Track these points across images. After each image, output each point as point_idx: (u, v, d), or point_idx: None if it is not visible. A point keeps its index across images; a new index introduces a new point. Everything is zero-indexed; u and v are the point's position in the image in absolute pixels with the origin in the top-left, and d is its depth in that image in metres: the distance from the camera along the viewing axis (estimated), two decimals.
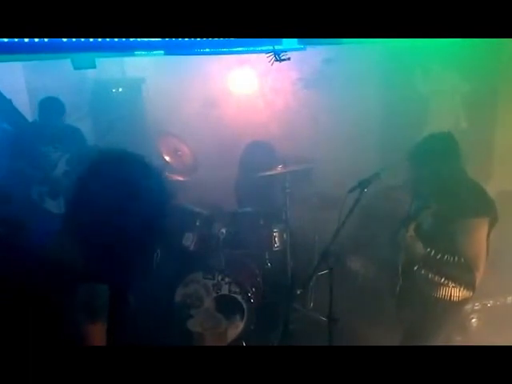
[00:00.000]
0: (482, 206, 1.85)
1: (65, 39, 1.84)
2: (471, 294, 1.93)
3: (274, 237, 3.04)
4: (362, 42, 2.50)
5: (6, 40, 1.68)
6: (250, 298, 2.72)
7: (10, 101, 3.00)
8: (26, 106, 3.38)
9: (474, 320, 2.70)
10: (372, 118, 3.69)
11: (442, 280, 1.90)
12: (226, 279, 2.73)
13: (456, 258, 1.81)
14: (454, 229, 1.82)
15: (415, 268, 1.95)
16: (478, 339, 2.65)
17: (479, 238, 1.82)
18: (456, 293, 1.90)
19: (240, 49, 2.77)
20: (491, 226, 1.86)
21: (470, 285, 1.89)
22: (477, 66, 3.11)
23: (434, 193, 1.92)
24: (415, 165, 1.94)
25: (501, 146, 3.20)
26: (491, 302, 2.73)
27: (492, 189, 3.27)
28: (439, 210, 1.88)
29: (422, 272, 1.93)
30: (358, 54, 3.37)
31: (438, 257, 1.82)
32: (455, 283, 1.89)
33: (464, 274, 1.84)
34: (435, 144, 1.92)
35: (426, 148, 1.93)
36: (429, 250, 1.83)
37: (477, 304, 2.67)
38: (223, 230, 2.94)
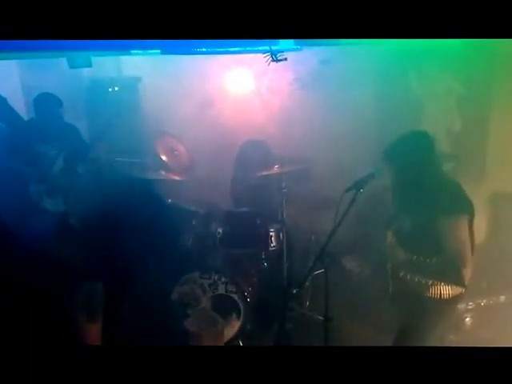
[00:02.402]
0: (459, 202, 1.85)
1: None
2: (462, 291, 1.94)
3: (271, 236, 3.05)
4: (358, 44, 2.51)
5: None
6: (246, 297, 2.73)
7: (5, 99, 2.98)
8: (21, 104, 3.36)
9: (467, 319, 2.73)
10: (368, 119, 3.71)
11: (431, 282, 1.90)
12: (223, 279, 2.74)
13: (440, 259, 1.80)
14: (435, 229, 1.81)
15: (401, 274, 1.97)
16: (471, 338, 2.68)
17: (461, 234, 1.82)
18: (446, 292, 1.91)
19: (237, 49, 2.78)
20: (471, 221, 1.86)
21: (459, 283, 1.89)
22: (471, 68, 3.13)
23: (408, 195, 1.92)
24: (390, 164, 1.93)
25: (495, 147, 3.24)
26: (484, 301, 2.76)
27: (486, 190, 3.32)
28: (418, 211, 1.88)
29: (408, 277, 1.95)
30: (354, 55, 3.38)
31: (422, 260, 1.82)
32: (444, 283, 1.89)
33: (451, 273, 1.84)
34: (408, 143, 1.92)
35: (399, 148, 1.92)
36: (410, 255, 1.84)
37: (470, 303, 2.71)
38: (220, 230, 2.95)
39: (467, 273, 1.85)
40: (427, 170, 1.90)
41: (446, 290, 1.91)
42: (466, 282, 1.90)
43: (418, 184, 1.88)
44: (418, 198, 1.89)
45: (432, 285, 1.90)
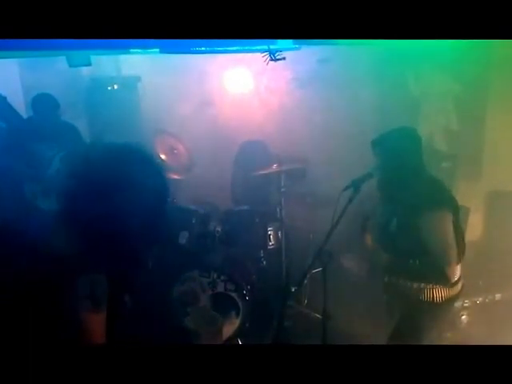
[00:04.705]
0: (440, 200, 1.83)
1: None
2: (451, 290, 1.90)
3: (269, 235, 3.06)
4: (356, 43, 2.52)
5: None
6: (245, 295, 2.74)
7: (4, 98, 2.99)
8: (20, 103, 3.36)
9: (464, 317, 2.75)
10: (366, 118, 3.72)
11: (415, 284, 1.89)
12: (222, 277, 2.75)
13: (421, 259, 1.78)
14: (417, 228, 1.79)
15: (385, 278, 1.98)
16: (467, 336, 2.70)
17: (443, 232, 1.79)
18: (433, 293, 1.89)
19: (235, 48, 2.79)
20: (455, 218, 1.83)
21: (444, 281, 1.86)
22: (469, 68, 3.15)
23: (392, 192, 1.91)
24: (374, 157, 1.92)
25: (492, 147, 3.26)
26: (480, 299, 2.78)
27: (483, 189, 3.35)
28: (399, 209, 1.87)
29: (392, 281, 1.95)
30: (353, 54, 3.40)
31: (403, 263, 1.81)
32: (429, 284, 1.87)
33: (434, 273, 1.82)
34: (392, 138, 1.91)
35: (383, 141, 1.91)
36: (392, 258, 1.83)
37: (466, 301, 2.73)
38: (219, 228, 2.96)
39: (452, 270, 1.83)
40: (410, 166, 1.88)
41: (432, 293, 1.89)
42: (453, 281, 1.88)
43: (400, 180, 1.88)
44: (399, 194, 1.88)
45: (418, 288, 1.89)
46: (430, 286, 1.88)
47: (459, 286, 1.95)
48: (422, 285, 1.89)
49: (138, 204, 1.14)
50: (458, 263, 1.88)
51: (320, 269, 1.99)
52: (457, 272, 1.90)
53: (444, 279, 1.83)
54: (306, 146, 3.53)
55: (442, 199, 1.85)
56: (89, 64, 2.64)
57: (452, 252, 1.80)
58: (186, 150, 3.47)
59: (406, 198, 1.85)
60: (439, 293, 1.89)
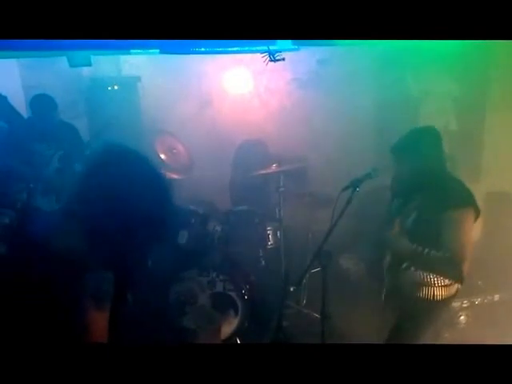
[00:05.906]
0: (464, 197, 1.85)
1: None
2: (459, 287, 1.94)
3: (268, 235, 3.07)
4: (355, 44, 2.53)
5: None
6: (244, 295, 2.75)
7: (5, 98, 2.99)
8: (21, 103, 3.37)
9: (462, 317, 2.75)
10: (365, 118, 3.74)
11: (430, 277, 1.90)
12: (221, 277, 2.76)
13: (442, 253, 1.80)
14: (439, 222, 1.81)
15: (403, 266, 1.96)
16: (465, 336, 2.71)
17: (464, 230, 1.81)
18: (441, 291, 1.91)
19: (235, 49, 2.79)
20: (475, 218, 1.85)
21: (457, 279, 1.89)
22: (468, 68, 3.16)
23: (415, 188, 1.93)
24: (397, 158, 1.94)
25: (491, 147, 3.27)
26: (479, 299, 2.78)
27: (481, 189, 3.34)
28: (423, 204, 1.88)
29: (412, 269, 1.94)
30: (352, 55, 3.41)
31: (426, 252, 1.81)
32: (443, 278, 1.89)
33: (451, 268, 1.84)
34: (417, 138, 1.92)
35: (407, 142, 1.92)
36: (415, 245, 1.83)
37: (465, 301, 2.73)
38: (218, 228, 2.97)
39: (466, 269, 1.84)
40: (435, 163, 1.90)
41: (441, 290, 1.91)
42: (463, 279, 1.89)
43: (426, 177, 1.89)
44: (425, 191, 1.89)
45: (429, 283, 1.91)
46: (440, 278, 1.90)
47: (458, 285, 1.96)
48: (434, 277, 1.90)
49: (137, 204, 1.15)
50: (469, 261, 1.89)
51: (319, 268, 2.00)
52: (467, 269, 1.92)
53: (459, 275, 1.85)
54: (305, 146, 3.54)
55: (469, 197, 1.86)
56: (89, 64, 2.65)
57: (469, 251, 1.82)
58: (186, 150, 3.48)
59: (432, 197, 1.86)
60: (439, 292, 1.91)
